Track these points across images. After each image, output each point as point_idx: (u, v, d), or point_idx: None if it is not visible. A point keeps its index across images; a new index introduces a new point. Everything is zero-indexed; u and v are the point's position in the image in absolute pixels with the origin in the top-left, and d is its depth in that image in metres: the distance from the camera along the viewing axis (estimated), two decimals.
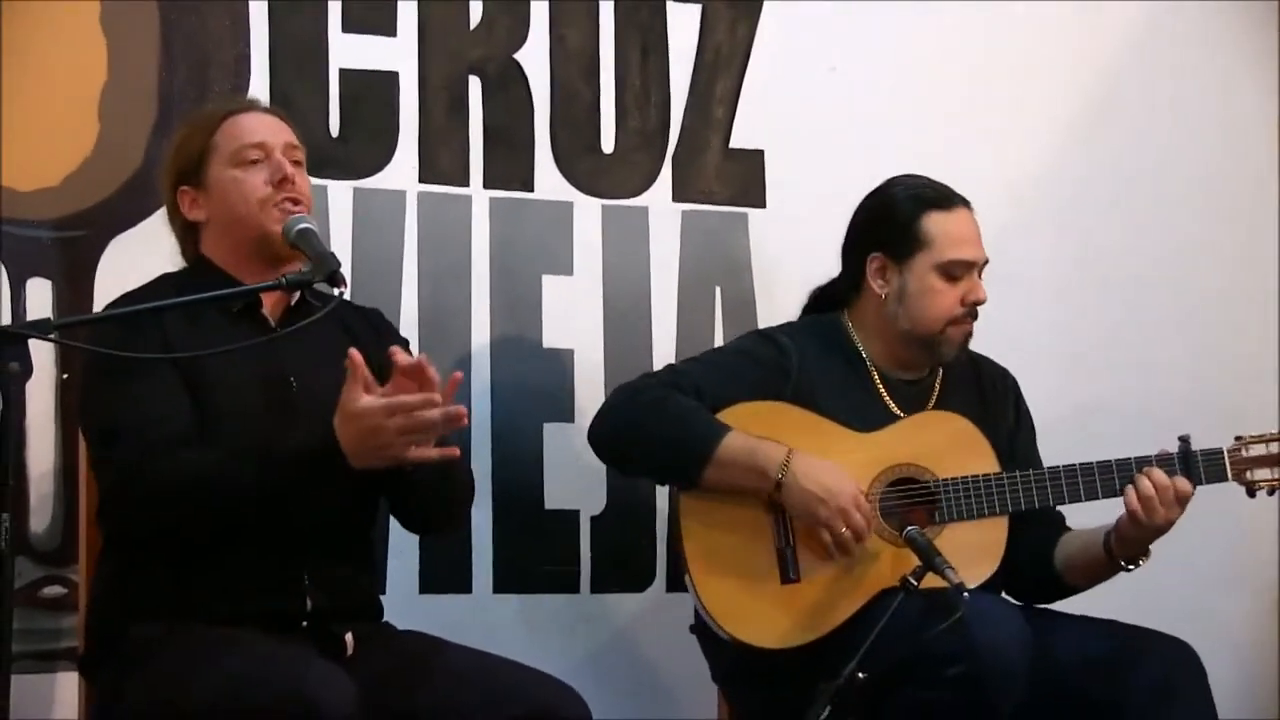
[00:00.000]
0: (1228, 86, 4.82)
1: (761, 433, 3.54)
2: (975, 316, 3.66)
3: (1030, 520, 3.63)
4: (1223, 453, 3.56)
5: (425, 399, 2.99)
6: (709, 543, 3.56)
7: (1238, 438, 3.57)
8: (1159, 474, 3.50)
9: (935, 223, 3.64)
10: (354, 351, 3.00)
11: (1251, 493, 3.57)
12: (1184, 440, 3.55)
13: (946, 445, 3.60)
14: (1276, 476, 3.55)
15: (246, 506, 3.10)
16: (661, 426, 3.57)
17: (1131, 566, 3.57)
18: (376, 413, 2.98)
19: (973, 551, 3.48)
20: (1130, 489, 3.49)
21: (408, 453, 3.02)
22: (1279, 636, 4.82)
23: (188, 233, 3.38)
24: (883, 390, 3.69)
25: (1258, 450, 3.57)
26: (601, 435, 3.67)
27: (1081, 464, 3.57)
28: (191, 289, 3.25)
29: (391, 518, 3.47)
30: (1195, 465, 3.54)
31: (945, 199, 3.67)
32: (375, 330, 3.45)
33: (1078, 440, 3.64)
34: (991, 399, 3.79)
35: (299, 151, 3.36)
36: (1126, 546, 3.54)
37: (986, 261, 3.68)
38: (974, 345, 3.76)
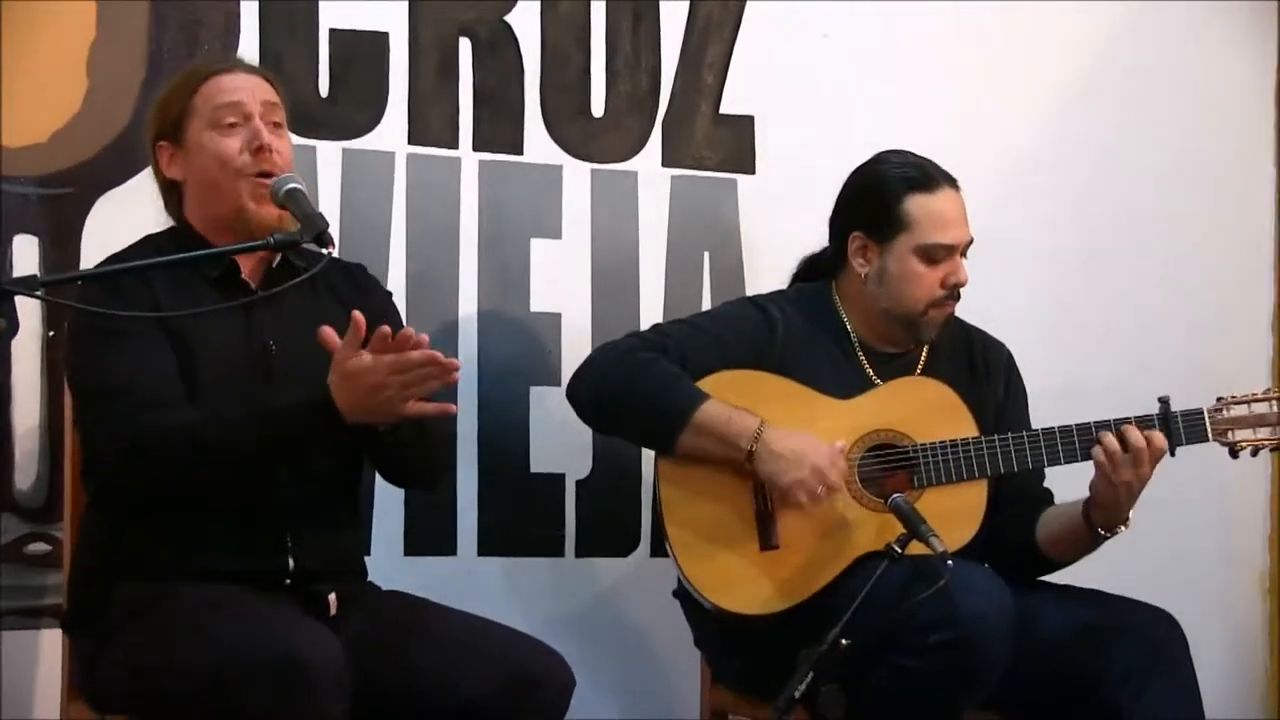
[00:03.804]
0: (1223, 55, 4.82)
1: (740, 401, 3.54)
2: (957, 298, 3.65)
3: (1015, 498, 3.64)
4: (1203, 413, 3.54)
5: (427, 356, 3.00)
6: (689, 509, 3.56)
7: (1219, 398, 3.56)
8: (1134, 432, 3.50)
9: (917, 204, 3.61)
10: (356, 314, 3.01)
11: (1234, 454, 3.57)
12: (1164, 401, 3.54)
13: (924, 410, 3.60)
14: (1259, 437, 3.55)
15: (236, 465, 3.10)
16: (640, 390, 3.57)
17: (1109, 534, 3.55)
18: (380, 369, 3.00)
19: (952, 516, 3.46)
20: (1097, 447, 3.49)
21: (406, 408, 3.03)
22: (1263, 607, 4.84)
23: (169, 192, 3.37)
24: (865, 363, 3.69)
25: (1239, 411, 3.56)
26: (580, 393, 3.67)
27: (1060, 426, 3.56)
28: (173, 252, 3.24)
29: (377, 477, 3.48)
30: (1175, 426, 3.53)
31: (929, 179, 3.63)
32: (359, 287, 3.45)
33: (1066, 410, 3.63)
34: (982, 372, 3.77)
35: (278, 111, 3.33)
36: (1103, 511, 3.53)
37: (971, 241, 3.66)
38: (962, 314, 3.75)
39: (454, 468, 4.01)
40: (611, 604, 4.21)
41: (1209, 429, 3.54)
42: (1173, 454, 3.52)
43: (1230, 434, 3.55)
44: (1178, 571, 4.53)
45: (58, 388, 3.65)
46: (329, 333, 3.03)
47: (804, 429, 3.53)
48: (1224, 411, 3.56)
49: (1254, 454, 3.58)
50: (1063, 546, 3.65)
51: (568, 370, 4.02)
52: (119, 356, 3.14)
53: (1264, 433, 3.56)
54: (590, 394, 3.65)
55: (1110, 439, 3.47)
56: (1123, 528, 3.55)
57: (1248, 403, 3.57)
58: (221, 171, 3.27)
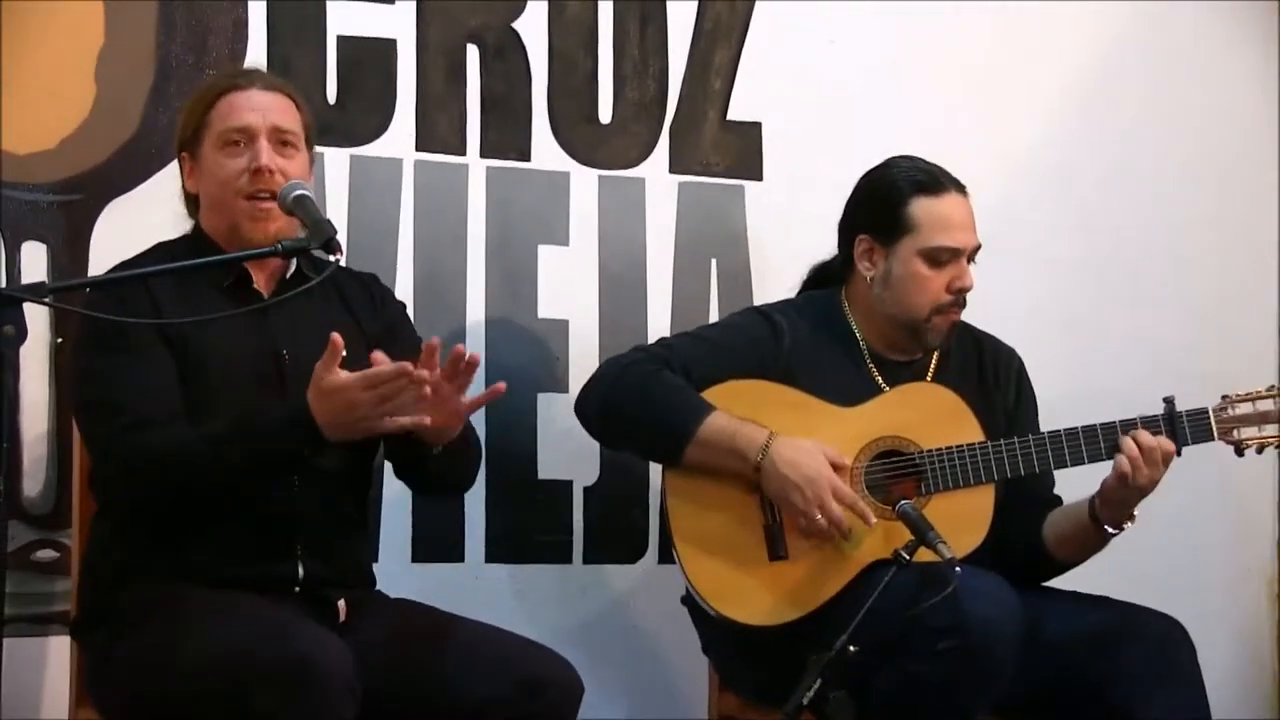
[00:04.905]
0: (1227, 55, 4.82)
1: (746, 410, 3.54)
2: (963, 304, 3.65)
3: (1024, 502, 3.63)
4: (1208, 412, 3.54)
5: (399, 369, 3.00)
6: (697, 520, 3.56)
7: (1224, 397, 3.56)
8: (1145, 435, 3.50)
9: (922, 207, 3.61)
10: (335, 336, 3.00)
11: (1240, 452, 3.56)
12: (1169, 401, 3.54)
13: (930, 416, 3.59)
14: (1265, 434, 3.55)
15: (227, 482, 3.11)
16: (646, 403, 3.57)
17: (1116, 531, 3.56)
18: (353, 386, 3.00)
19: (960, 521, 3.46)
20: (1119, 455, 3.49)
21: (383, 424, 3.04)
22: (1271, 612, 4.83)
23: (191, 201, 3.38)
24: (874, 371, 3.69)
25: (1244, 409, 3.56)
26: (587, 407, 3.67)
27: (1066, 429, 3.56)
28: (187, 259, 3.25)
29: (385, 485, 3.48)
30: (1180, 426, 3.53)
31: (935, 183, 3.63)
32: (371, 297, 3.46)
33: (1073, 412, 3.64)
34: (992, 378, 3.77)
35: (291, 134, 3.32)
36: (1111, 509, 3.53)
37: (978, 247, 3.65)
38: (970, 318, 3.75)
39: None
40: (619, 610, 4.21)
41: (1214, 428, 3.54)
42: (1179, 453, 3.52)
43: (1235, 432, 3.55)
44: (1185, 576, 4.53)
45: (66, 395, 3.66)
46: (338, 339, 3.03)
47: (809, 437, 3.53)
48: (1229, 410, 3.56)
49: (1259, 451, 3.58)
50: (1070, 547, 3.65)
51: (575, 377, 4.04)
52: (114, 371, 3.15)
53: (1269, 430, 3.56)
54: (596, 410, 3.65)
55: (1132, 446, 3.47)
56: (1129, 524, 3.55)
57: (1252, 400, 3.56)
58: (222, 191, 3.28)
